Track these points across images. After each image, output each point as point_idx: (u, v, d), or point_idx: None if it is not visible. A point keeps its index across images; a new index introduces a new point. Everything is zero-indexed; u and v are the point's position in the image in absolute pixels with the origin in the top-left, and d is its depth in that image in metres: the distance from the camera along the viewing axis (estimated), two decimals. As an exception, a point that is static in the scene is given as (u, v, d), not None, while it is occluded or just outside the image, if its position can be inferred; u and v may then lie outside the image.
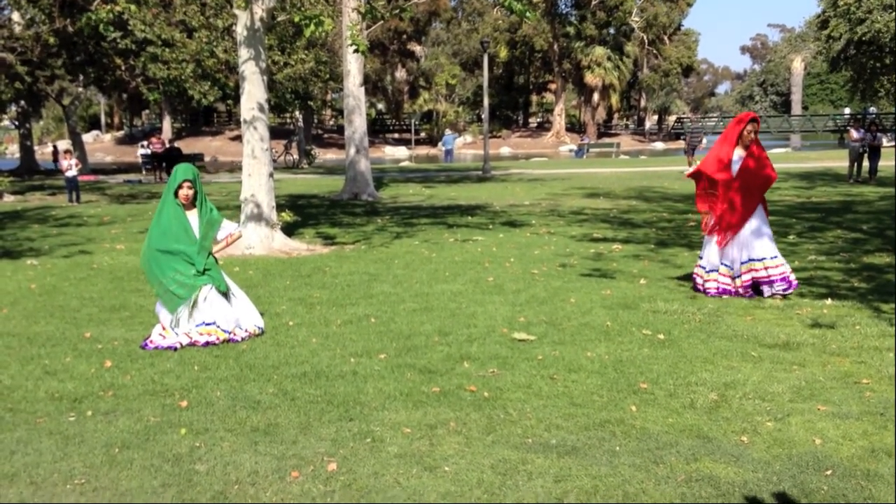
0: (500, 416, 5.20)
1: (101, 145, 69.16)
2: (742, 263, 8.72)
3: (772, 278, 8.63)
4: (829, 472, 4.28)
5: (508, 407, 5.38)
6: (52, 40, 27.68)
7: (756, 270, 8.67)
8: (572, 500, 4.02)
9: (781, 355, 6.54)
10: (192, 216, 7.23)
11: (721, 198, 8.80)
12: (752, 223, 8.74)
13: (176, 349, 6.91)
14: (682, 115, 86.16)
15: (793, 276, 8.74)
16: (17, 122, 42.28)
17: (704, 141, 34.99)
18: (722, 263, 8.84)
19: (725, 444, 4.69)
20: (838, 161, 31.37)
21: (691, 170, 9.45)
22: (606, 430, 4.96)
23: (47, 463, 4.52)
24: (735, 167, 8.78)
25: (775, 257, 8.69)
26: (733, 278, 8.82)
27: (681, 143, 72.42)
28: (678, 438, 4.79)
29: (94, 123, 78.38)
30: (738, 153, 8.83)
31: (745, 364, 6.30)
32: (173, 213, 7.12)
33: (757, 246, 8.68)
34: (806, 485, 4.14)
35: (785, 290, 8.63)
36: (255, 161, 13.28)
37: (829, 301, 8.46)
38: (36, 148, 45.82)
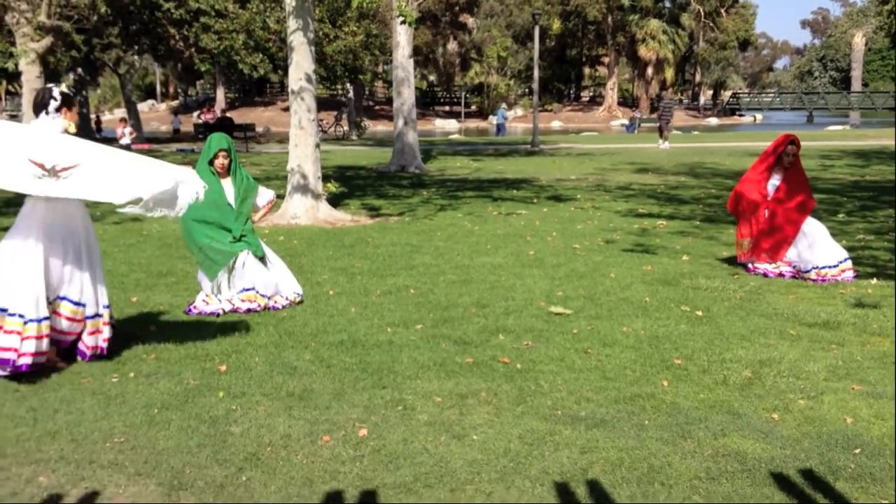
0: (530, 388, 5.25)
1: (156, 114, 70.13)
2: (812, 269, 8.54)
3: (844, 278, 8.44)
4: (857, 451, 4.26)
5: (540, 379, 5.42)
6: (104, 9, 28.05)
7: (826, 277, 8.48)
8: (597, 472, 4.06)
9: (820, 334, 6.48)
10: (227, 184, 7.38)
11: (757, 216, 8.71)
12: (801, 237, 8.61)
13: (218, 315, 7.06)
14: (739, 90, 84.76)
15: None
16: (73, 90, 43.00)
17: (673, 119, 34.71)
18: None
19: (755, 421, 4.69)
20: (889, 139, 30.72)
21: (730, 196, 9.33)
22: (636, 404, 4.98)
23: (88, 422, 4.67)
24: (771, 188, 8.68)
25: (844, 261, 8.51)
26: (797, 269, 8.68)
27: (736, 119, 71.45)
28: (708, 414, 4.80)
29: (149, 92, 79.50)
30: (776, 175, 8.71)
31: (782, 342, 6.26)
32: (208, 182, 7.24)
33: (819, 256, 8.51)
34: (833, 462, 4.13)
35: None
36: (301, 132, 13.40)
37: (874, 281, 8.34)
38: (92, 115, 46.55)
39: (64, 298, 5.59)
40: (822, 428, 4.59)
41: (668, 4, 68.95)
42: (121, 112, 52.93)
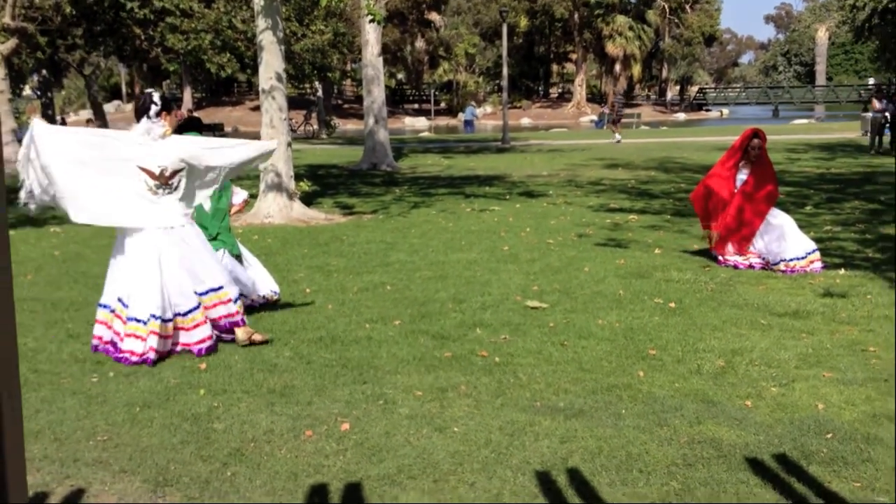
0: (509, 381, 5.32)
1: (122, 115, 69.38)
2: (781, 261, 8.68)
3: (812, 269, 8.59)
4: (829, 436, 4.38)
5: (518, 371, 5.50)
6: (68, 10, 27.79)
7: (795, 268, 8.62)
8: (577, 460, 4.14)
9: (791, 323, 6.61)
10: None
11: (725, 212, 8.86)
12: (770, 230, 8.76)
13: (195, 314, 7.06)
14: (705, 86, 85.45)
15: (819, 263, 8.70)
16: (38, 92, 42.57)
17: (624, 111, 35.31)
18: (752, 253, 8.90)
19: (729, 408, 4.79)
20: (854, 132, 31.16)
21: (696, 188, 9.48)
22: (613, 394, 5.07)
23: (70, 420, 4.69)
24: (739, 182, 8.83)
25: (812, 252, 8.66)
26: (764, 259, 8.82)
27: (703, 114, 72.04)
28: (683, 402, 4.90)
29: (115, 93, 78.68)
30: (744, 169, 8.87)
31: (753, 332, 6.38)
32: None
33: (788, 248, 8.66)
34: (806, 447, 4.24)
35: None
36: (273, 130, 13.40)
37: (842, 271, 8.51)
38: (57, 118, 46.07)
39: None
40: (795, 414, 4.70)
41: (633, 0, 69.36)
42: (86, 113, 52.42)
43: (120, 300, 5.82)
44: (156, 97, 5.94)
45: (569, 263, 9.15)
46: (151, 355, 5.66)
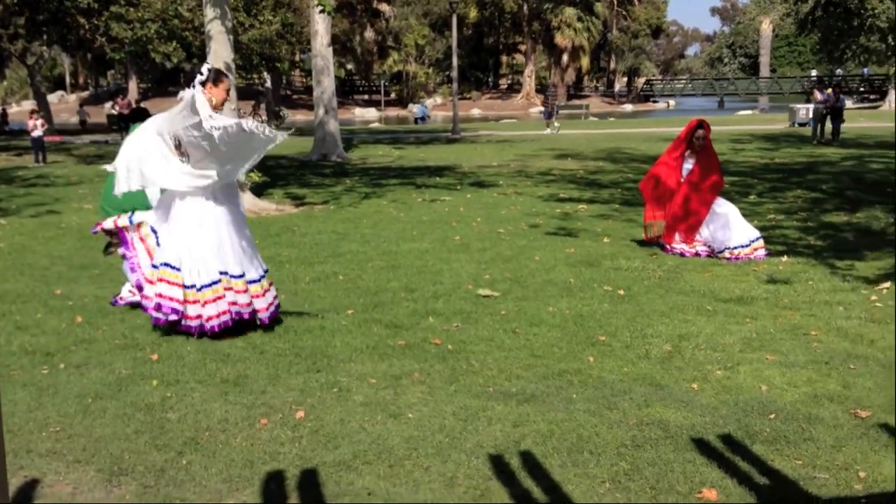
0: (462, 367, 5.39)
1: (66, 105, 68.19)
2: (725, 249, 8.85)
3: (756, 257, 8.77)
4: (772, 416, 4.51)
5: (471, 358, 5.57)
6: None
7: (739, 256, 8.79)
8: (529, 443, 4.22)
9: (735, 309, 6.78)
10: None
11: (672, 202, 9.03)
12: (715, 218, 8.94)
13: (146, 306, 7.01)
14: (652, 77, 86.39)
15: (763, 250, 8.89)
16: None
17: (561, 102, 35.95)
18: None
19: (676, 391, 4.92)
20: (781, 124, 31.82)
21: (644, 177, 9.66)
22: (564, 379, 5.16)
23: (22, 412, 4.65)
24: (685, 172, 9.02)
25: (756, 240, 8.85)
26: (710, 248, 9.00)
27: (650, 105, 72.86)
28: (632, 386, 5.01)
29: (58, 83, 77.25)
30: (689, 159, 9.06)
31: (699, 317, 6.53)
32: None
33: (732, 236, 8.84)
34: (750, 427, 4.37)
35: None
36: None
37: (784, 258, 8.72)
38: (0, 108, 45.10)
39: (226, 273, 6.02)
40: (739, 396, 4.84)
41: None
42: (29, 104, 51.34)
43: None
44: (203, 68, 6.14)
45: (520, 252, 9.25)
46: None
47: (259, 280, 6.17)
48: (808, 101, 30.58)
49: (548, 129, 33.31)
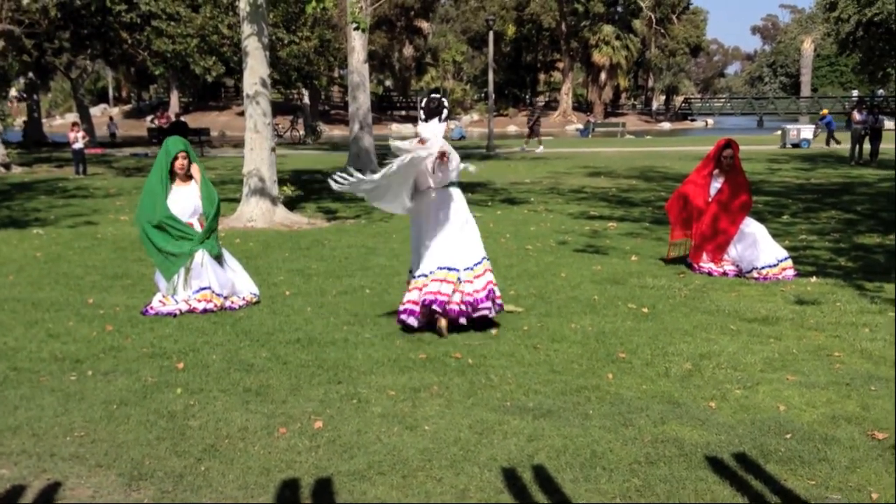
0: (481, 381, 5.44)
1: (107, 119, 69.22)
2: (753, 269, 8.83)
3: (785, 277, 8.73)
4: (788, 436, 4.51)
5: (490, 373, 5.61)
6: (55, 13, 27.83)
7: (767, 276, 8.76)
8: (543, 458, 4.25)
9: (760, 329, 6.75)
10: (190, 189, 7.46)
11: (700, 221, 9.03)
12: (743, 238, 8.92)
13: (175, 315, 7.15)
14: (690, 96, 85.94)
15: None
16: (24, 94, 42.46)
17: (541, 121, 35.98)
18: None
19: (693, 409, 4.92)
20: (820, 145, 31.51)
21: (671, 197, 9.67)
22: (582, 395, 5.19)
23: (48, 417, 4.77)
24: (713, 191, 9.02)
25: (784, 259, 8.82)
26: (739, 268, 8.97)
27: (688, 124, 72.48)
28: (649, 403, 5.02)
29: (102, 97, 78.50)
30: (718, 178, 9.06)
31: (722, 336, 6.52)
32: (164, 188, 7.37)
33: (760, 256, 8.81)
34: (765, 447, 4.37)
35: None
36: (257, 135, 13.49)
37: (813, 279, 8.66)
38: (44, 120, 45.99)
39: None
40: (756, 415, 4.83)
41: (619, 10, 69.71)
42: (72, 116, 52.27)
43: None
44: (446, 102, 6.59)
45: (546, 269, 9.28)
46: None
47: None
48: (848, 122, 30.25)
49: (525, 147, 33.35)
